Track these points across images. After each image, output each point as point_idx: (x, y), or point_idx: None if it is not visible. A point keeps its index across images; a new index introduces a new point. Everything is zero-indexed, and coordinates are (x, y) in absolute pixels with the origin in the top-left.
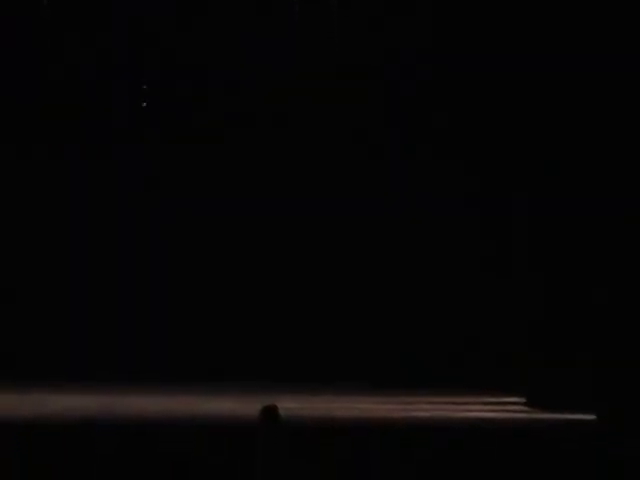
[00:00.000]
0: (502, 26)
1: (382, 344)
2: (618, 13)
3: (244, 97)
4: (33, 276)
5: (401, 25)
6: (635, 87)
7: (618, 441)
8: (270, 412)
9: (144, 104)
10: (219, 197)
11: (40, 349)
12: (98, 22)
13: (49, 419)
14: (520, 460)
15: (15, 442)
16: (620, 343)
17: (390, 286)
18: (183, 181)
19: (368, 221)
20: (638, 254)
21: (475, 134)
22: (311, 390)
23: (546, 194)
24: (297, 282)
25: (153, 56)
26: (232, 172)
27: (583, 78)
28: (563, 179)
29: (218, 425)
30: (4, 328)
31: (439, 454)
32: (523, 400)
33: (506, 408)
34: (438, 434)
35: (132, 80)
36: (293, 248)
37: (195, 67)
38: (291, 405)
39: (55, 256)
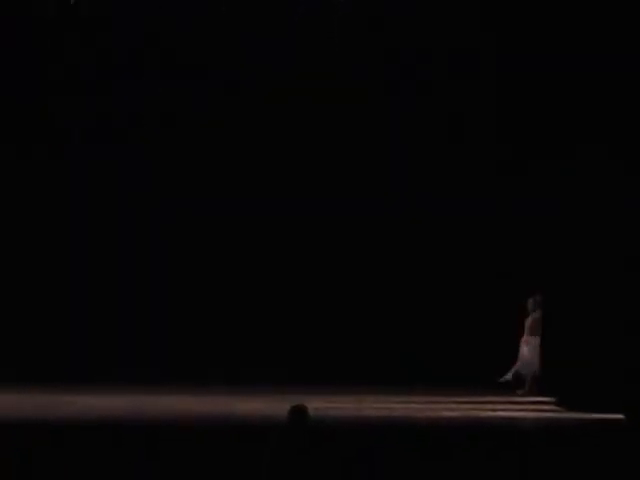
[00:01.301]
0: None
1: (402, 343)
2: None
3: (244, 97)
4: (33, 276)
5: (401, 25)
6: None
7: None
8: (299, 412)
9: None
10: (219, 197)
11: (53, 350)
12: (98, 22)
13: (82, 419)
14: (550, 459)
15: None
16: None
17: (398, 286)
18: (183, 181)
19: (368, 221)
20: None
21: (475, 134)
22: (338, 390)
23: (546, 194)
24: (306, 282)
25: (153, 56)
26: (232, 172)
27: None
28: (563, 178)
29: (250, 425)
30: (15, 328)
31: (469, 453)
32: (553, 399)
33: (536, 407)
34: (468, 433)
35: (132, 80)
36: (294, 248)
37: (195, 67)
38: (320, 405)
39: (55, 256)
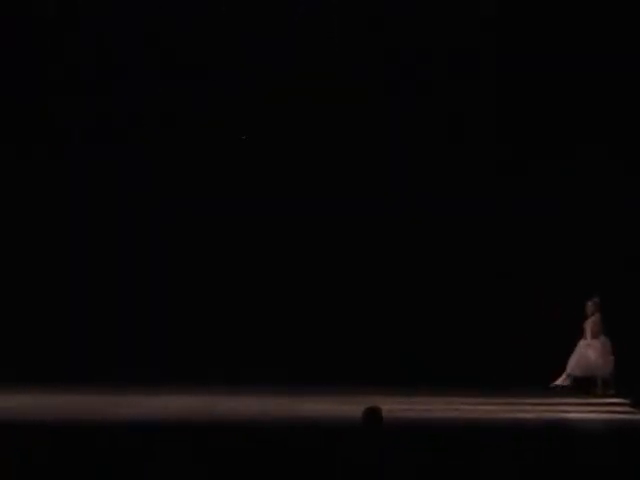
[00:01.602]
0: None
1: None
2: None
3: (244, 97)
4: (33, 277)
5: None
6: None
7: None
8: (373, 413)
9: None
10: (219, 197)
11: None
12: (98, 22)
13: (154, 419)
14: (624, 461)
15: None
16: None
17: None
18: (183, 181)
19: (368, 221)
20: None
21: (475, 134)
22: (407, 391)
23: (546, 194)
24: (308, 282)
25: (153, 56)
26: (232, 172)
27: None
28: (563, 178)
29: (319, 426)
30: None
31: (546, 454)
32: (628, 401)
33: (610, 409)
34: (545, 434)
35: (132, 80)
36: (295, 248)
37: (195, 67)
38: (393, 407)
39: (55, 256)
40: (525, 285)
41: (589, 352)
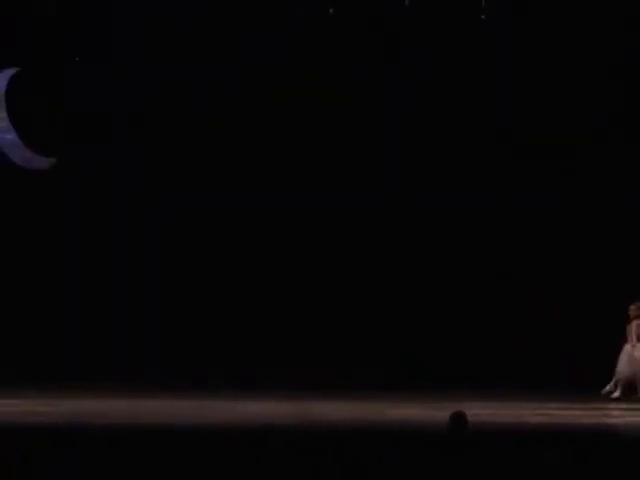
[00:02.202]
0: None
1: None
2: None
3: (244, 97)
4: (32, 277)
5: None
6: None
7: None
8: (459, 418)
9: None
10: (219, 197)
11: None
12: (98, 21)
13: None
14: None
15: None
16: None
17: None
18: (183, 181)
19: (368, 221)
20: None
21: (475, 134)
22: (497, 395)
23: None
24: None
25: (153, 56)
26: (232, 172)
27: None
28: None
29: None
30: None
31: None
32: None
33: None
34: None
35: (132, 80)
36: (296, 249)
37: (195, 67)
38: (480, 411)
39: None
40: (525, 285)
41: (637, 355)
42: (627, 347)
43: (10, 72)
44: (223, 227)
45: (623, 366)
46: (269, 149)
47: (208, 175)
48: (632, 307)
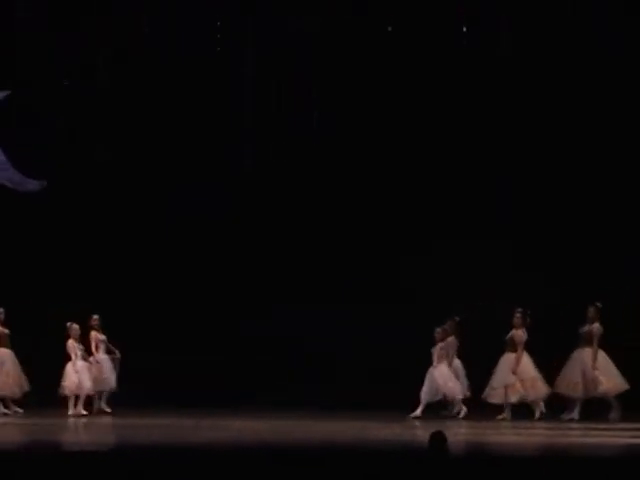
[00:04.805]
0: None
1: None
2: None
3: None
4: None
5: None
6: None
7: None
8: (439, 438)
9: None
10: (219, 197)
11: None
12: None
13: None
14: None
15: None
16: None
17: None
18: (183, 181)
19: (368, 221)
20: None
21: (476, 133)
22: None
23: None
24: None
25: (153, 56)
26: (232, 172)
27: None
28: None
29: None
30: None
31: None
32: None
33: None
34: None
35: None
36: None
37: (195, 66)
38: (461, 431)
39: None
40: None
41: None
42: (430, 369)
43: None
44: (224, 227)
45: (428, 387)
46: (270, 148)
47: (209, 175)
48: (438, 330)
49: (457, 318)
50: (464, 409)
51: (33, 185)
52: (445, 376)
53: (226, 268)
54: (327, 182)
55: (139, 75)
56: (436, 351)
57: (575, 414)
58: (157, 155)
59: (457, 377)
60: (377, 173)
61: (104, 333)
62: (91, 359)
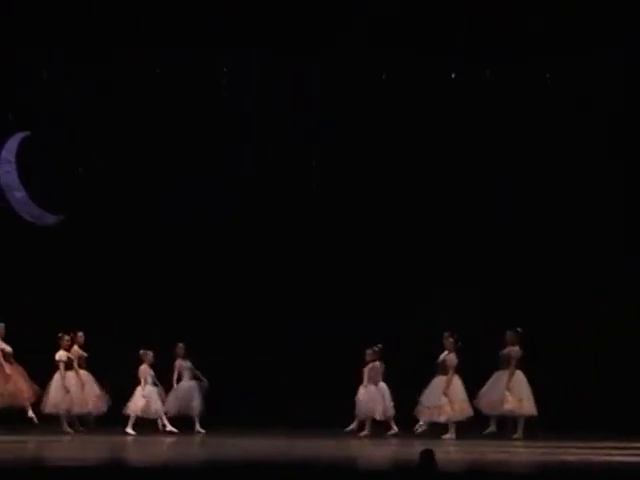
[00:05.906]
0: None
1: None
2: None
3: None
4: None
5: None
6: None
7: None
8: (428, 456)
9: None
10: (219, 197)
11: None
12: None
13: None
14: None
15: None
16: None
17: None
18: (183, 181)
19: (368, 221)
20: None
21: (475, 133)
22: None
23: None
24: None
25: (153, 56)
26: (232, 172)
27: None
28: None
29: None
30: None
31: None
32: None
33: None
34: None
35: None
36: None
37: (195, 67)
38: (450, 449)
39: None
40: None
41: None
42: (360, 389)
43: (21, 135)
44: (224, 227)
45: (362, 407)
46: (269, 148)
47: (208, 175)
48: (368, 352)
49: (379, 346)
50: (395, 428)
51: (51, 219)
52: (370, 395)
53: (226, 268)
54: (327, 182)
55: (139, 75)
56: (366, 372)
57: (493, 427)
58: (157, 155)
59: (383, 398)
60: (377, 173)
61: (190, 360)
62: (175, 386)
